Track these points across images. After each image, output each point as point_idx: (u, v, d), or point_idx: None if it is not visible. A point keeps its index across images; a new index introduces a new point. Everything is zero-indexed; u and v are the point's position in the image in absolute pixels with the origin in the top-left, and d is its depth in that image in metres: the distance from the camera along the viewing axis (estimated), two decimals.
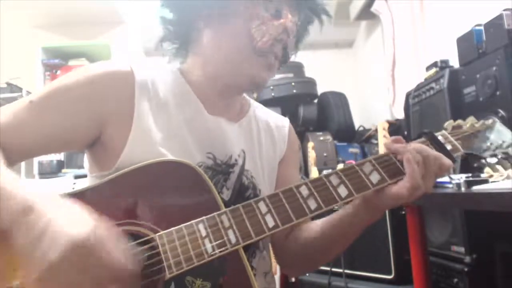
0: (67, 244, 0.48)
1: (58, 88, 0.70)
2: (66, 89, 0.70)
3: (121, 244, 0.53)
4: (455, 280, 1.37)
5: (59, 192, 0.63)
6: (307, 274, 1.85)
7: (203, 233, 0.59)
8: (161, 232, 0.60)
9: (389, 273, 1.60)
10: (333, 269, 1.71)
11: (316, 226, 0.82)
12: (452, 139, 0.75)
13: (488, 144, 0.75)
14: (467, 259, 1.34)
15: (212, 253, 0.58)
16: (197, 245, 0.58)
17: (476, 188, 0.94)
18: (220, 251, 0.58)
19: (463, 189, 0.95)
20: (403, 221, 1.37)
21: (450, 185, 1.03)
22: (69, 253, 0.48)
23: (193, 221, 0.60)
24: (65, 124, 0.70)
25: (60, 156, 3.06)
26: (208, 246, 0.58)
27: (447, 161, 0.68)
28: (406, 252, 1.36)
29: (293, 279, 1.93)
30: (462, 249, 1.38)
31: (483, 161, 0.76)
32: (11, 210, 0.52)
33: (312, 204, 0.63)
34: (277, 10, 0.77)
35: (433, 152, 0.68)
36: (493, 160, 0.75)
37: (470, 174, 1.04)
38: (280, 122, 0.94)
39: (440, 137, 0.75)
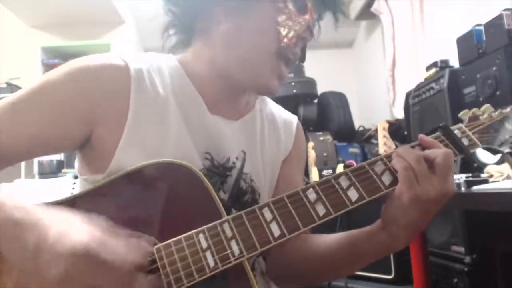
0: (69, 256, 0.46)
1: (41, 87, 0.64)
2: (50, 87, 0.64)
3: (121, 238, 0.51)
4: (455, 280, 1.37)
5: (47, 200, 0.60)
6: None
7: (204, 245, 0.55)
8: (159, 245, 0.55)
9: (389, 273, 1.60)
10: None
11: (322, 241, 0.76)
12: (469, 133, 0.68)
13: (507, 136, 0.68)
14: (467, 259, 1.34)
15: (214, 267, 0.53)
16: (198, 259, 0.54)
17: (476, 188, 0.93)
18: (223, 265, 0.54)
19: (463, 189, 0.95)
20: None
21: None
22: (74, 265, 0.46)
23: (193, 232, 0.55)
24: (50, 125, 0.63)
25: (60, 156, 3.06)
26: (210, 259, 0.54)
27: (438, 159, 0.60)
28: (406, 252, 1.36)
29: None
30: (462, 249, 1.38)
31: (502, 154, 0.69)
32: None
33: (321, 210, 0.58)
34: (303, 5, 0.72)
35: (420, 152, 0.62)
36: None
37: (470, 174, 1.04)
38: (288, 119, 0.88)
39: (456, 131, 0.68)
